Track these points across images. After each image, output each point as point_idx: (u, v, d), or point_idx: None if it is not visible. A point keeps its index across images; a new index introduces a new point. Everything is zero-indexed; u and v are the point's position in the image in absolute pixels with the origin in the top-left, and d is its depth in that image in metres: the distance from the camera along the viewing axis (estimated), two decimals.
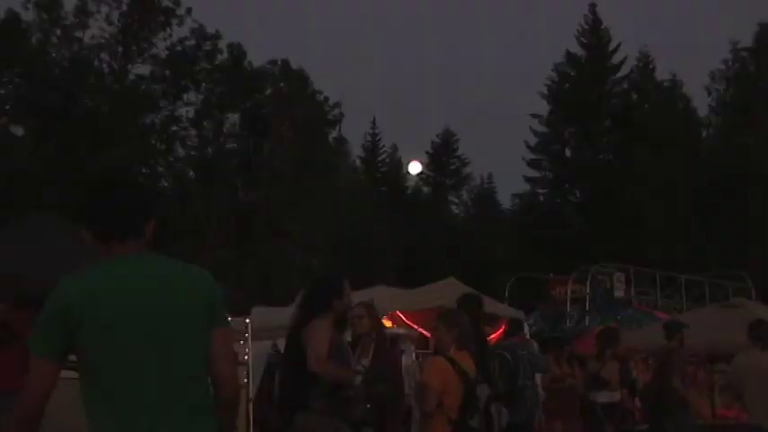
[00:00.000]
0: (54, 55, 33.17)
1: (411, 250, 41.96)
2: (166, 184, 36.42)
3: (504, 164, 77.66)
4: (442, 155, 53.71)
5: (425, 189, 54.00)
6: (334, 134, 43.15)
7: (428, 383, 4.99)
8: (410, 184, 54.07)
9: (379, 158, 55.04)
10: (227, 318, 2.49)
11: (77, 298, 2.22)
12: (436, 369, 5.05)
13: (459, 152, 54.30)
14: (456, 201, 54.61)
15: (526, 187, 46.17)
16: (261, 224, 34.49)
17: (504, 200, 53.08)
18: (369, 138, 54.48)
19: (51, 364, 2.22)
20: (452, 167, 54.03)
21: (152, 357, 2.24)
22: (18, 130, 32.13)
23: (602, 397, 9.01)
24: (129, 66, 35.04)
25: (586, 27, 44.48)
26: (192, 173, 37.19)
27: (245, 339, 8.69)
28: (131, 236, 2.39)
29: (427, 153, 54.13)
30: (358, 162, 52.52)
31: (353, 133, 70.67)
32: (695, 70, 68.07)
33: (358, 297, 10.92)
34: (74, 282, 2.27)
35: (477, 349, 5.47)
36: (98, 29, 33.64)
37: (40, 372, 2.22)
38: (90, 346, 2.21)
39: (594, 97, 42.87)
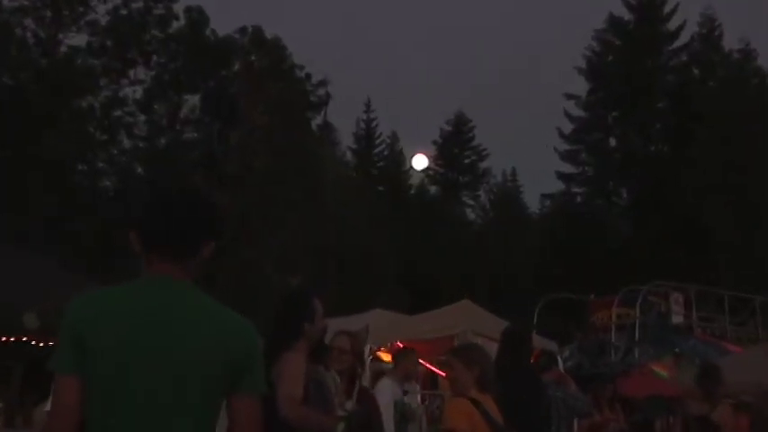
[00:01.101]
0: None
1: (415, 265, 42.39)
2: (108, 183, 36.64)
3: (532, 157, 77.16)
4: (454, 146, 53.88)
5: (433, 188, 54.12)
6: (318, 120, 43.46)
7: (456, 429, 5.00)
8: (414, 182, 54.18)
9: (376, 151, 55.14)
10: (260, 385, 2.57)
11: (79, 317, 2.45)
12: (461, 412, 5.07)
13: (475, 142, 54.15)
14: (471, 203, 54.78)
15: (559, 186, 46.81)
16: (227, 233, 35.15)
17: (532, 201, 53.22)
18: (362, 125, 54.67)
19: (73, 379, 2.42)
20: (466, 161, 54.12)
21: (131, 407, 2.38)
22: None
23: None
24: (61, 35, 35.02)
25: None
26: (140, 169, 37.40)
27: None
28: (175, 256, 2.55)
29: (435, 143, 54.16)
30: (349, 155, 52.93)
31: (343, 119, 71.16)
32: None
33: (350, 323, 11.03)
34: (82, 300, 2.50)
35: (533, 400, 5.55)
36: None
37: (62, 389, 2.42)
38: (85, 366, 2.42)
39: (645, 73, 43.08)
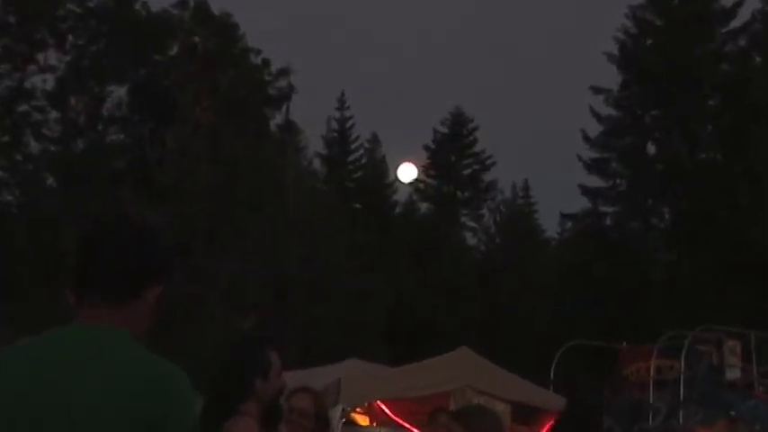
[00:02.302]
0: None
1: (400, 303, 42.35)
2: (10, 198, 36.87)
3: (549, 166, 77.24)
4: (450, 152, 54.04)
5: (424, 206, 54.16)
6: (278, 119, 43.85)
7: None
8: (400, 197, 54.20)
9: (351, 158, 55.22)
10: None
11: None
12: None
13: (477, 147, 54.20)
14: (472, 224, 54.76)
15: (584, 203, 46.36)
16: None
17: (549, 223, 53.74)
18: (334, 125, 54.84)
19: None
20: (466, 172, 54.45)
21: None
22: None
23: None
24: None
25: None
26: (51, 179, 37.65)
27: None
28: (105, 301, 2.61)
29: (426, 149, 54.18)
30: (318, 163, 52.88)
31: (311, 118, 69.83)
32: None
33: (316, 377, 11.10)
34: None
35: None
36: None
37: None
38: None
39: (693, 61, 42.94)
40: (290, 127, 44.73)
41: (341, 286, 38.27)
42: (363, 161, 55.70)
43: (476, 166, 54.90)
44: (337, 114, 55.60)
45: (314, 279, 37.36)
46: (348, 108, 55.74)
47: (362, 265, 40.47)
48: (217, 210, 35.54)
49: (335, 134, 55.50)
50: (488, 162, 54.81)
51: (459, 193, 54.71)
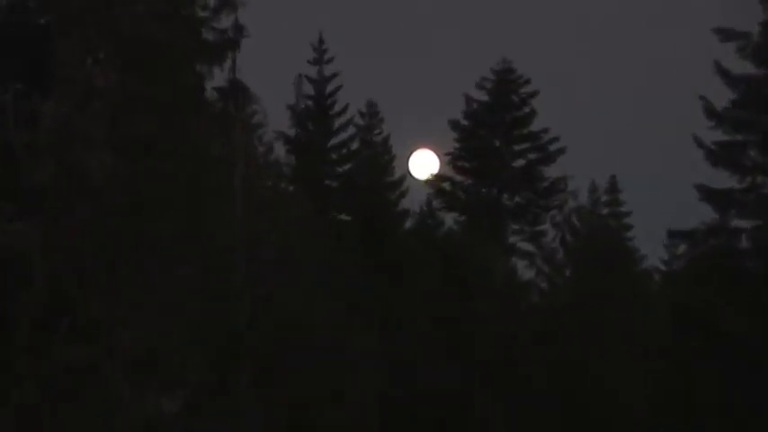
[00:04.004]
0: None
1: (411, 376, 43.14)
2: None
3: (647, 155, 75.66)
4: (493, 131, 54.98)
5: (450, 217, 55.15)
6: (222, 78, 42.11)
7: None
8: (412, 205, 54.79)
9: (335, 141, 56.02)
10: None
11: None
12: None
13: (536, 125, 55.73)
14: (527, 246, 55.89)
15: (706, 213, 45.40)
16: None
17: (650, 244, 54.30)
18: (308, 89, 55.97)
19: None
20: (517, 163, 55.87)
21: None
22: None
23: None
24: None
25: None
26: None
27: None
28: None
29: (455, 127, 55.83)
30: (281, 150, 52.40)
31: (271, 77, 67.80)
32: None
33: None
34: None
35: None
36: None
37: None
38: None
39: None
40: (236, 92, 43.43)
41: (315, 350, 39.90)
42: (354, 147, 55.59)
43: (532, 155, 55.38)
44: (313, 72, 55.78)
45: (273, 332, 38.81)
46: (330, 61, 55.87)
47: (349, 316, 41.72)
48: (121, 225, 34.85)
49: (310, 103, 55.55)
50: (552, 148, 55.17)
51: (505, 198, 54.47)
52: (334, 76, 55.71)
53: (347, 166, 54.87)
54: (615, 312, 46.18)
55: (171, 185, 35.73)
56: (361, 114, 55.83)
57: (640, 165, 71.34)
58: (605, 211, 55.09)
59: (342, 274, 43.70)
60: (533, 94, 55.46)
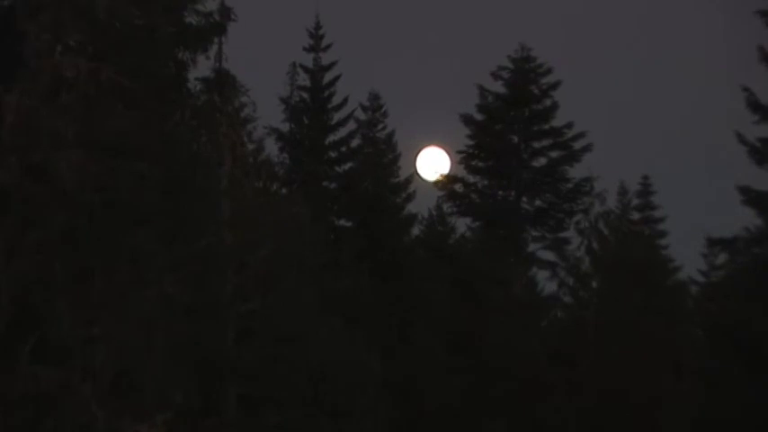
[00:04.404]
0: None
1: (418, 401, 43.81)
2: None
3: (684, 153, 75.54)
4: (511, 127, 55.17)
5: (462, 223, 55.86)
6: (207, 68, 42.62)
7: None
8: (420, 208, 55.30)
9: (333, 138, 56.20)
10: None
11: None
12: None
13: (558, 120, 55.99)
14: (549, 256, 55.84)
15: (750, 219, 45.09)
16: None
17: (688, 254, 54.45)
18: (304, 80, 56.36)
19: None
20: (538, 163, 56.19)
21: None
22: None
23: None
24: None
25: None
26: None
27: None
28: None
29: (467, 122, 55.94)
30: (273, 147, 53.55)
31: (261, 66, 69.94)
32: None
33: None
34: None
35: None
36: None
37: None
38: None
39: None
40: (223, 83, 43.93)
41: (310, 368, 40.25)
42: (354, 144, 55.76)
43: (554, 153, 55.50)
44: (308, 60, 55.98)
45: (266, 354, 39.06)
46: (328, 48, 56.15)
47: (348, 331, 41.97)
48: (94, 232, 34.67)
49: (305, 95, 55.70)
50: (577, 145, 55.31)
51: (524, 201, 54.60)
52: (333, 64, 55.89)
53: (347, 166, 55.04)
54: (648, 331, 46.06)
55: (150, 188, 35.38)
56: (363, 108, 55.93)
57: (676, 164, 71.34)
58: (636, 216, 55.31)
59: (340, 285, 43.64)
60: (555, 85, 55.72)
